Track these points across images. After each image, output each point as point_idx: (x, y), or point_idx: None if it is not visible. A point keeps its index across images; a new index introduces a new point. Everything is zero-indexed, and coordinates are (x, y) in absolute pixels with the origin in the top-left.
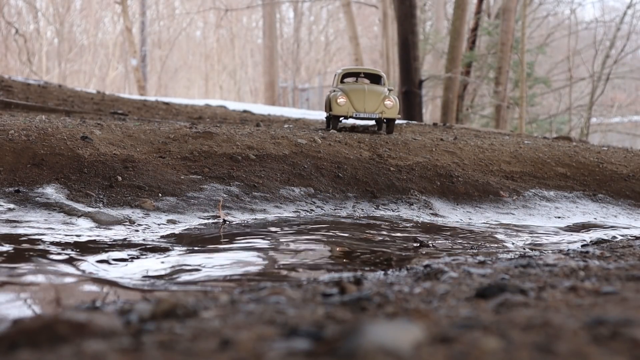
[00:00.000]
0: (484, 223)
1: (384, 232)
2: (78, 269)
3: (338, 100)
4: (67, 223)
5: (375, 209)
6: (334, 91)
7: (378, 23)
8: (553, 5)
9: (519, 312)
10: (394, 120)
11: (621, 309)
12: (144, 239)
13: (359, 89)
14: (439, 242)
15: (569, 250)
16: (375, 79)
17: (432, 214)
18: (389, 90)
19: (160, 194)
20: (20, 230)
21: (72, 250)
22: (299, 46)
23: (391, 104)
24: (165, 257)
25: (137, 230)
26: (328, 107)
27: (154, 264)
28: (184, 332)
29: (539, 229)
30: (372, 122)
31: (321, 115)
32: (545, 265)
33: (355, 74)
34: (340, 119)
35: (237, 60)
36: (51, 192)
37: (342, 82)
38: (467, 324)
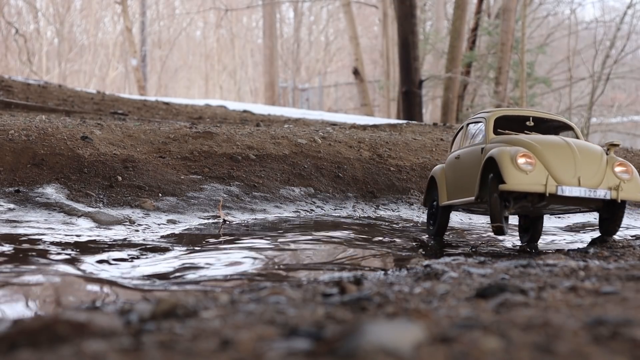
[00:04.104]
0: (484, 223)
1: (384, 232)
2: (78, 269)
3: (519, 162)
4: (67, 223)
5: (375, 208)
6: (493, 145)
7: (378, 23)
8: (553, 5)
9: (519, 312)
10: (624, 206)
11: (621, 309)
12: (144, 239)
13: (558, 144)
14: (439, 241)
15: (569, 250)
16: (551, 131)
17: None
18: (612, 145)
19: (160, 194)
20: (20, 230)
21: (72, 250)
22: (299, 46)
23: (629, 174)
24: (165, 257)
25: (137, 230)
26: (485, 177)
27: (154, 264)
28: (184, 332)
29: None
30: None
31: (321, 115)
32: (545, 265)
33: (517, 121)
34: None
35: (237, 60)
36: (51, 192)
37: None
38: (467, 324)
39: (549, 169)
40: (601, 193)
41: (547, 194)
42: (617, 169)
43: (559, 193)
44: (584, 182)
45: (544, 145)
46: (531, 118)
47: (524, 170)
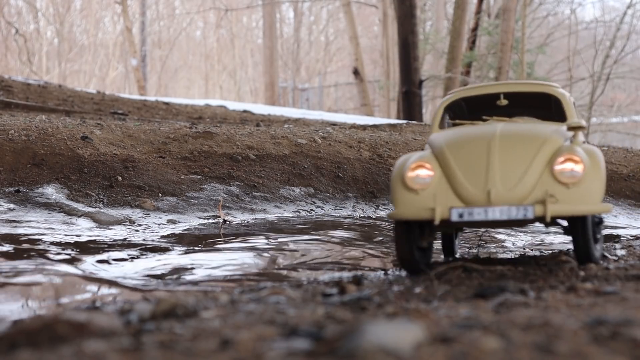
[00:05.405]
0: None
1: (384, 232)
2: (78, 269)
3: (407, 178)
4: (67, 223)
5: (375, 208)
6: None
7: (378, 23)
8: (553, 5)
9: (519, 312)
10: (588, 220)
11: (621, 309)
12: (144, 239)
13: (475, 139)
14: (439, 242)
15: (568, 250)
16: (535, 104)
17: None
18: (573, 128)
19: (160, 194)
20: (20, 230)
21: (72, 250)
22: (299, 46)
23: (579, 173)
24: (165, 257)
25: (137, 230)
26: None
27: (154, 264)
28: (184, 332)
29: (539, 229)
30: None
31: (321, 115)
32: (545, 265)
33: (487, 100)
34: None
35: (237, 60)
36: (51, 192)
37: (445, 121)
38: (467, 324)
39: (452, 181)
40: (520, 212)
41: (436, 219)
42: (560, 167)
43: (454, 219)
44: (497, 196)
45: (454, 145)
46: (502, 95)
47: (414, 190)
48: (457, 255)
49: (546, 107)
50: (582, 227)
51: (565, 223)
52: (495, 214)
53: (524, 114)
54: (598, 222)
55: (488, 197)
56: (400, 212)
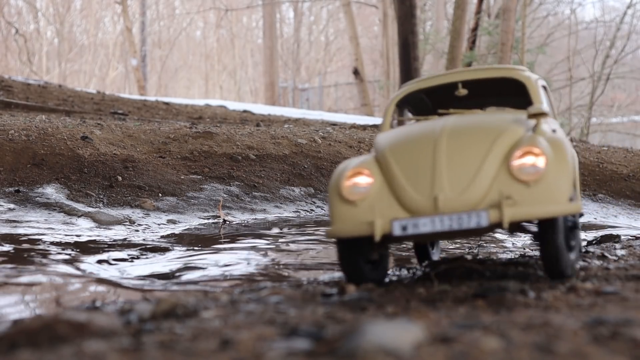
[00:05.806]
0: None
1: None
2: (78, 269)
3: (343, 187)
4: (67, 223)
5: None
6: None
7: (378, 23)
8: (553, 5)
9: (519, 312)
10: (557, 223)
11: (621, 309)
12: (144, 239)
13: (423, 135)
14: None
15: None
16: (508, 92)
17: None
18: (534, 116)
19: (160, 194)
20: (20, 230)
21: (72, 250)
22: (299, 46)
23: (541, 168)
24: (165, 257)
25: (137, 230)
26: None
27: (154, 264)
28: (184, 332)
29: None
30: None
31: (321, 115)
32: None
33: (451, 91)
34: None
35: (237, 60)
36: (51, 192)
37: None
38: (467, 324)
39: (395, 188)
40: (472, 220)
41: (376, 235)
42: (518, 162)
43: (397, 233)
44: (445, 202)
45: (397, 146)
46: (460, 85)
47: (351, 201)
48: (436, 258)
49: (521, 94)
50: (551, 232)
51: (535, 228)
52: (443, 223)
53: (498, 104)
54: (572, 227)
55: (435, 204)
56: (337, 228)
